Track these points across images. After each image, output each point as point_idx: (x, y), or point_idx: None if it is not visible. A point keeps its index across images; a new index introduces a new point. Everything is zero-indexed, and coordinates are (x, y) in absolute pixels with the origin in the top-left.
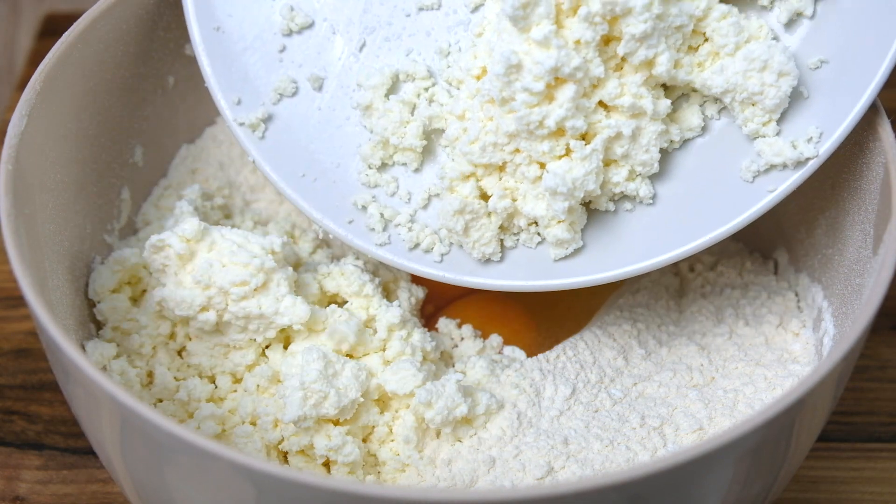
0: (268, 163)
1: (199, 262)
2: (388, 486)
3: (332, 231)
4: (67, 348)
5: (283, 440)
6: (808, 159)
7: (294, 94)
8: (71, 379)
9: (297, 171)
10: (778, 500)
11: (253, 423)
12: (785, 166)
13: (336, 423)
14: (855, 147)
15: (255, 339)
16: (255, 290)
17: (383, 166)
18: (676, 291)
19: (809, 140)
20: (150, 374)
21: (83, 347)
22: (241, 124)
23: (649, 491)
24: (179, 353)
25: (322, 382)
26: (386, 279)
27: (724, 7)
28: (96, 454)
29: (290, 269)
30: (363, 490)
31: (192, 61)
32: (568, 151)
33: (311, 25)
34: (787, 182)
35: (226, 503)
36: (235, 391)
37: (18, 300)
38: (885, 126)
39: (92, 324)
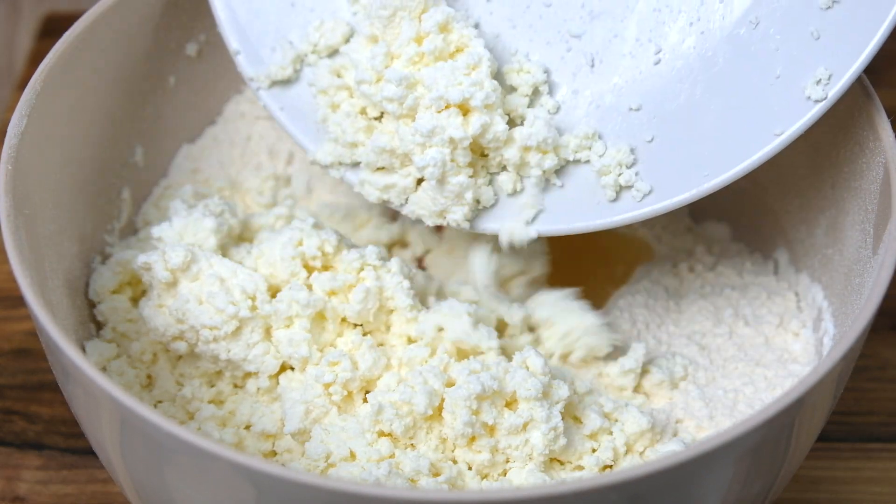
0: (279, 108)
1: (179, 293)
2: (388, 486)
3: (348, 181)
4: (67, 349)
5: (275, 454)
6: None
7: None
8: (71, 379)
9: (310, 118)
10: (778, 500)
11: (247, 428)
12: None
13: None
14: (855, 147)
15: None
16: (224, 336)
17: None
18: (676, 291)
19: (818, 82)
20: (150, 377)
21: (83, 348)
22: (252, 79)
23: (649, 491)
24: (179, 358)
25: (325, 398)
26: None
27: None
28: (96, 454)
29: (272, 309)
30: (363, 490)
31: (193, 61)
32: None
33: None
34: (794, 125)
35: (226, 503)
36: (237, 394)
37: (18, 300)
38: (885, 126)
39: (92, 324)
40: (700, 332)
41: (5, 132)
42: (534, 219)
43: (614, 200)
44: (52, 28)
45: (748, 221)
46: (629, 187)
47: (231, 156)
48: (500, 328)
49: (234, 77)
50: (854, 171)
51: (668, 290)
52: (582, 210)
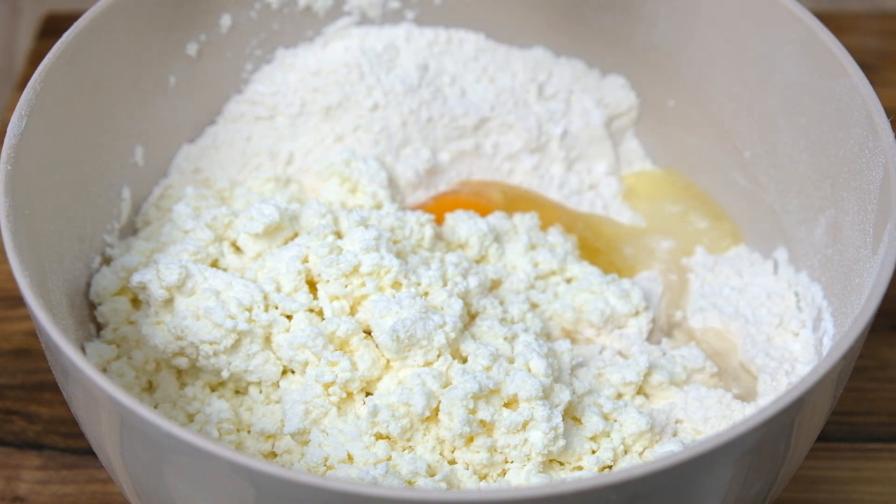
0: None
1: (176, 309)
2: (388, 486)
3: None
4: (66, 349)
5: (274, 455)
6: None
7: None
8: (70, 379)
9: None
10: (778, 500)
11: (248, 431)
12: None
13: None
14: (855, 147)
15: None
16: (224, 350)
17: None
18: (676, 291)
19: None
20: (151, 382)
21: (83, 348)
22: None
23: (649, 490)
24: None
25: (325, 398)
26: None
27: None
28: (96, 454)
29: (270, 317)
30: (363, 490)
31: (193, 61)
32: None
33: None
34: None
35: (226, 503)
36: (237, 396)
37: (18, 300)
38: (885, 126)
39: (92, 324)
40: (700, 331)
41: (5, 132)
42: None
43: None
44: (52, 28)
45: (748, 221)
46: None
47: (231, 156)
48: None
49: (234, 77)
50: (854, 171)
51: (668, 289)
52: None
